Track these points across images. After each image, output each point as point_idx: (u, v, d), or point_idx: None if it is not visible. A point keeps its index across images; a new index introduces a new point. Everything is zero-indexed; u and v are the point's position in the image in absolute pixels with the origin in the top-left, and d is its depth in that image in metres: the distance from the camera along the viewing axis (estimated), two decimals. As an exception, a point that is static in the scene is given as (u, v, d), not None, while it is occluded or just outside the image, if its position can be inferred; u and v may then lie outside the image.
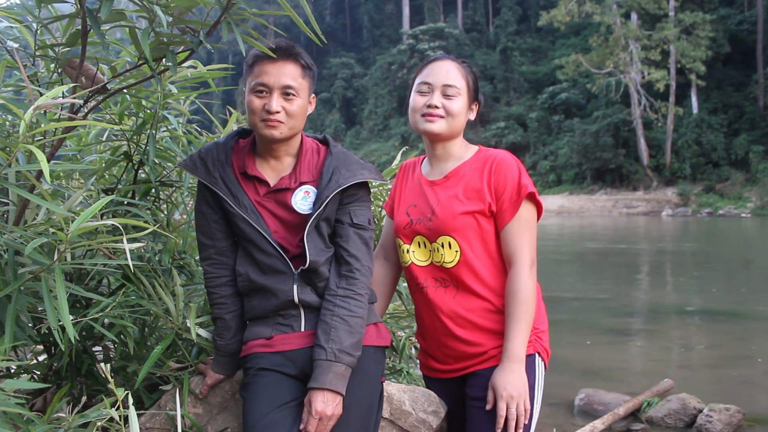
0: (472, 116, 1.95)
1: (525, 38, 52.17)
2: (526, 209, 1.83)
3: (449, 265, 1.85)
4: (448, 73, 1.87)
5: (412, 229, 1.91)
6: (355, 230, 1.73)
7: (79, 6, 1.52)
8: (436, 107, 1.86)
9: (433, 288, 1.88)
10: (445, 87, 1.86)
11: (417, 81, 1.92)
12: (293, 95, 1.67)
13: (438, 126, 1.87)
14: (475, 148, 1.96)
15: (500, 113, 43.83)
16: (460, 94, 1.87)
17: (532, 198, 1.84)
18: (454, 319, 1.85)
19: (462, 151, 1.94)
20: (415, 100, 1.91)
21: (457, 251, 1.84)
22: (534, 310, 1.80)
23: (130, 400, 1.41)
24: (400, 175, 2.07)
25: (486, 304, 1.84)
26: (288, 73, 1.66)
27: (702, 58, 34.75)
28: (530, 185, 1.83)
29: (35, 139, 1.50)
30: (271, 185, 1.72)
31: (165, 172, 2.21)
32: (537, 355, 1.85)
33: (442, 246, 1.85)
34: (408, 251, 1.93)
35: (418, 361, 2.12)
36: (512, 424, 1.72)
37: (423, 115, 1.88)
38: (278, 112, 1.65)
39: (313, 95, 1.77)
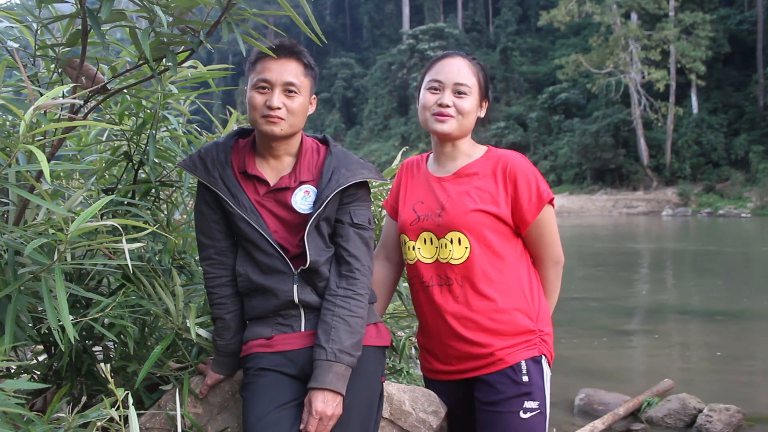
0: (482, 114, 1.93)
1: (525, 38, 52.07)
2: (547, 211, 1.86)
3: (456, 262, 1.82)
4: (459, 71, 1.85)
5: (419, 225, 1.88)
6: (355, 230, 1.73)
7: (79, 6, 1.52)
8: (447, 106, 1.83)
9: (438, 287, 1.85)
10: (456, 85, 1.84)
11: (427, 78, 1.89)
12: (295, 92, 1.67)
13: (449, 126, 1.84)
14: (483, 147, 1.94)
15: (500, 113, 43.72)
16: (471, 92, 1.85)
17: (551, 202, 1.88)
18: (459, 320, 1.82)
19: (471, 150, 1.92)
20: (426, 97, 1.87)
21: (466, 248, 1.81)
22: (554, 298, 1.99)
23: (130, 400, 1.41)
24: (404, 173, 2.03)
25: (492, 304, 1.81)
26: (290, 71, 1.67)
27: (702, 58, 34.69)
28: (549, 191, 1.86)
29: (35, 139, 1.50)
30: (271, 185, 1.72)
31: (165, 172, 2.21)
32: (543, 357, 1.84)
33: (451, 242, 1.82)
34: (413, 248, 1.89)
35: (418, 362, 2.10)
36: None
37: (434, 114, 1.85)
38: (279, 108, 1.65)
39: (314, 96, 1.77)
